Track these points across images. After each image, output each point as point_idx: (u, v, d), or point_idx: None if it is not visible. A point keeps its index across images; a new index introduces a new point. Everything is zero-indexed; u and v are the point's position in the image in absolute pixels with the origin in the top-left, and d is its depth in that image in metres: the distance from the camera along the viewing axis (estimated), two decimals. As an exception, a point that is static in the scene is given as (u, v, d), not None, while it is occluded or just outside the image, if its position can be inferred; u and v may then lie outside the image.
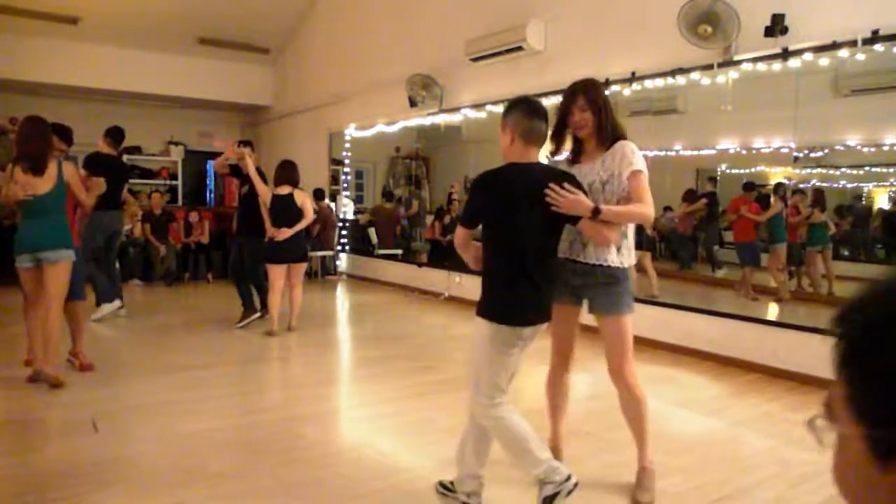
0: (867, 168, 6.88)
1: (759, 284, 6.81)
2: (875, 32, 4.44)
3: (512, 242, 2.56)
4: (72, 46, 10.66)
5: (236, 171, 6.53)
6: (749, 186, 7.05)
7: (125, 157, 12.21)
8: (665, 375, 5.10)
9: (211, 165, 13.69)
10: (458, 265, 9.04)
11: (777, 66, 5.02)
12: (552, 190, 2.49)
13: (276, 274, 6.16)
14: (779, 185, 6.89)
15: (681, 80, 5.63)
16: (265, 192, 6.15)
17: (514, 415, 2.62)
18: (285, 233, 6.06)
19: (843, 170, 6.91)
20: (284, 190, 6.19)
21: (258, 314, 6.43)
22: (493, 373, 2.60)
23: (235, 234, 6.74)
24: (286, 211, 6.14)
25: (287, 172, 6.29)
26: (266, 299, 6.27)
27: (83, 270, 4.89)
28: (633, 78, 5.96)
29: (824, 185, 6.96)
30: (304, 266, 6.41)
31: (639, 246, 7.24)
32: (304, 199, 6.28)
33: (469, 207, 2.72)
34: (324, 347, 6.19)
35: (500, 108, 7.54)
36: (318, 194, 10.12)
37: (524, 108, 2.63)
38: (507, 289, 2.57)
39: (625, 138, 2.86)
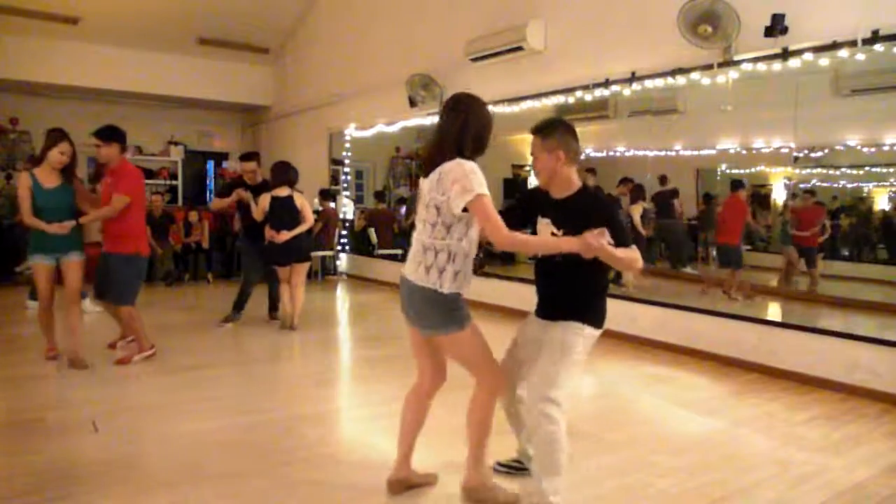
0: (867, 168, 6.88)
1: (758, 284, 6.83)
2: (875, 32, 4.44)
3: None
4: (72, 46, 10.66)
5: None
6: (737, 185, 7.10)
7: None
8: (665, 375, 5.10)
9: (211, 168, 13.73)
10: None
11: (777, 66, 5.02)
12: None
13: (282, 273, 6.30)
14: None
15: (681, 80, 5.63)
16: (262, 206, 6.15)
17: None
18: (284, 236, 6.08)
19: (843, 170, 6.91)
20: (283, 192, 6.19)
21: (236, 321, 6.51)
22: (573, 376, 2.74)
23: (254, 238, 6.52)
24: (286, 213, 6.16)
25: (283, 174, 6.29)
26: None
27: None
28: (633, 78, 5.96)
29: (824, 185, 6.96)
30: (305, 266, 6.42)
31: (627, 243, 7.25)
32: (303, 202, 6.31)
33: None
34: (324, 347, 6.19)
35: (500, 108, 7.55)
36: (325, 195, 10.13)
37: (571, 130, 2.73)
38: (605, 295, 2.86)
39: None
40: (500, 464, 3.12)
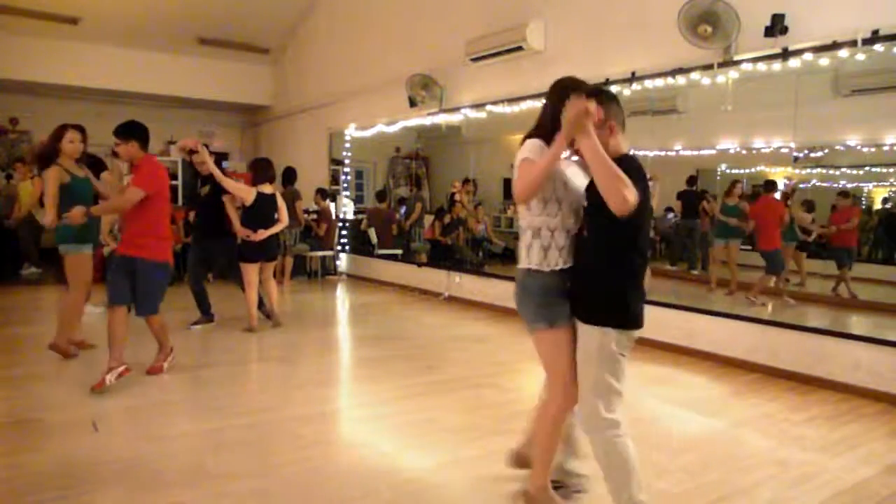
0: (867, 168, 6.88)
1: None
2: (875, 32, 4.44)
3: (646, 242, 2.49)
4: (72, 46, 10.66)
5: (203, 176, 6.43)
6: (770, 185, 6.86)
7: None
8: (665, 375, 5.10)
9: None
10: (457, 265, 9.05)
11: (777, 66, 5.02)
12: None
13: (252, 271, 6.21)
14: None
15: (681, 80, 5.63)
16: (246, 192, 6.08)
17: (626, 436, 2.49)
18: (262, 234, 6.10)
19: (843, 170, 6.91)
20: (268, 189, 6.25)
21: (213, 323, 6.42)
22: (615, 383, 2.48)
23: (199, 236, 6.52)
24: (269, 210, 6.21)
25: (267, 170, 6.34)
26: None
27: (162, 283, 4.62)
28: (633, 78, 5.96)
29: (824, 185, 6.97)
30: (273, 264, 6.47)
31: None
32: (283, 203, 6.38)
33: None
34: (324, 347, 6.19)
35: (500, 109, 7.56)
36: (322, 193, 10.15)
37: (616, 98, 2.54)
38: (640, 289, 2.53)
39: None
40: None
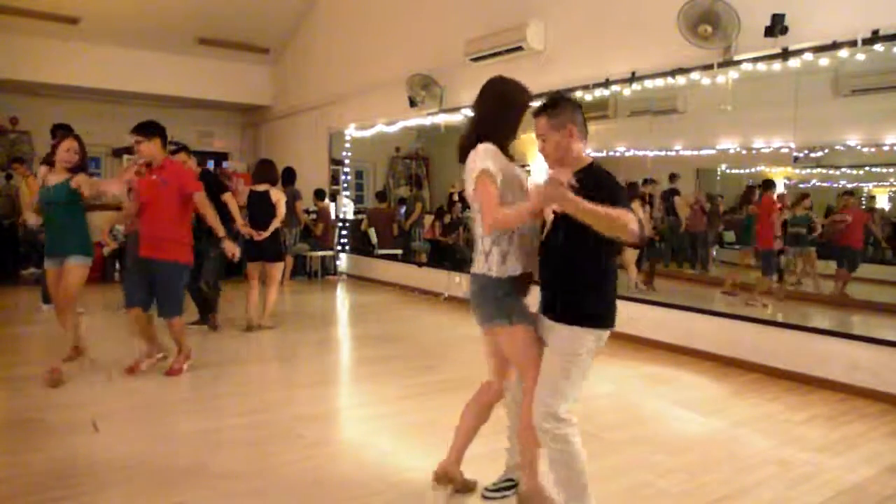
0: (867, 168, 6.88)
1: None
2: (875, 32, 4.44)
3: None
4: (72, 46, 10.66)
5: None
6: (768, 185, 6.82)
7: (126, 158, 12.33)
8: (665, 375, 5.10)
9: (211, 168, 13.72)
10: (457, 265, 9.05)
11: (777, 66, 5.02)
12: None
13: (253, 270, 6.28)
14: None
15: (681, 80, 5.63)
16: (240, 193, 6.38)
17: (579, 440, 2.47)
18: (263, 234, 6.15)
19: (843, 170, 6.91)
20: (261, 187, 6.34)
21: (210, 327, 6.33)
22: (577, 387, 2.47)
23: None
24: (261, 207, 6.26)
25: (265, 171, 6.45)
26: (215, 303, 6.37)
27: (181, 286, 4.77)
28: (633, 78, 5.96)
29: (824, 184, 6.96)
30: (279, 266, 6.45)
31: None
32: (279, 197, 6.39)
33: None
34: (324, 347, 6.19)
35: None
36: (318, 195, 10.16)
37: (576, 105, 2.54)
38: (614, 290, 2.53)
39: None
40: (488, 490, 2.89)
